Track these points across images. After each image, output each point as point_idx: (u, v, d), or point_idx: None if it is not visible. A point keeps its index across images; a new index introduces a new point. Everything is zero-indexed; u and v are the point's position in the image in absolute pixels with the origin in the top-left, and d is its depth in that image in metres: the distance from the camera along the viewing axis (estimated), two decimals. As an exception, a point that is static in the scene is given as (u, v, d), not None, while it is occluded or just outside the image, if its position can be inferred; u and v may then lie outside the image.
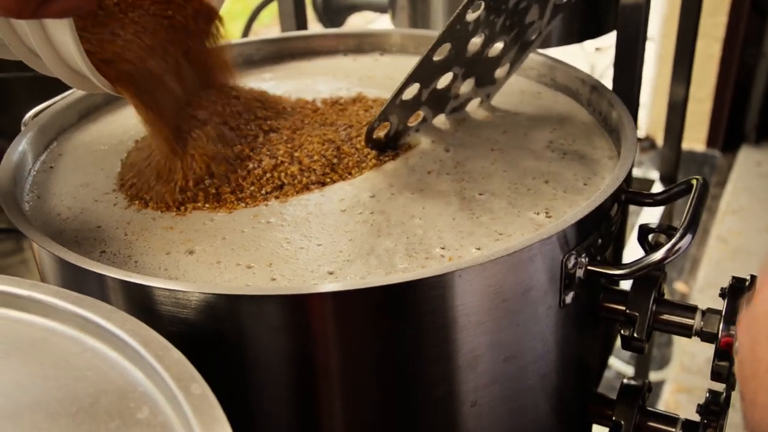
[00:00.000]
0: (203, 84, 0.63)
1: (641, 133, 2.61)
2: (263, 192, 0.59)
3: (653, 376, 1.57)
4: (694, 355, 1.62)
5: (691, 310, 0.56)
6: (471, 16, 0.58)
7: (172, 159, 0.59)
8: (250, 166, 0.60)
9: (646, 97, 2.57)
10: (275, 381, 0.49)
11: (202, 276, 0.52)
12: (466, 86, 0.66)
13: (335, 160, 0.61)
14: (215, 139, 0.60)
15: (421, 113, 0.65)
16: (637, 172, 1.65)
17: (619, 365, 1.56)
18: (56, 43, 0.51)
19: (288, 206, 0.58)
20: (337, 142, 0.63)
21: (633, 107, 0.81)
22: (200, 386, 0.36)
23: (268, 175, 0.60)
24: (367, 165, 0.62)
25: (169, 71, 0.59)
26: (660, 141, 1.73)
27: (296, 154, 0.61)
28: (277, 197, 0.59)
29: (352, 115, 0.68)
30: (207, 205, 0.58)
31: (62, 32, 0.49)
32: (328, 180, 0.60)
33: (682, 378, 1.57)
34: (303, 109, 0.69)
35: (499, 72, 0.68)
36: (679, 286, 1.93)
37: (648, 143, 2.60)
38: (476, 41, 0.61)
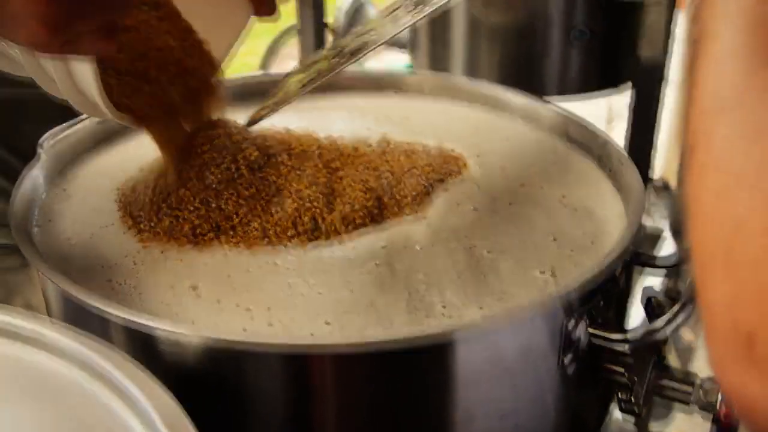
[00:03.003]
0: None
1: (655, 174, 2.60)
2: (288, 234, 0.59)
3: (654, 426, 1.56)
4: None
5: (691, 379, 0.55)
6: None
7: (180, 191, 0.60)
8: (272, 210, 0.60)
9: (663, 137, 2.56)
10: (271, 428, 0.49)
11: (201, 315, 0.52)
12: None
13: (375, 211, 0.61)
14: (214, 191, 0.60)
15: None
16: (646, 219, 1.64)
17: (619, 414, 1.55)
18: (72, 68, 0.52)
19: (301, 250, 0.58)
20: (378, 192, 0.62)
21: (645, 164, 0.81)
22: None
23: (300, 219, 0.59)
24: (400, 216, 0.61)
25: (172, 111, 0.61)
26: (674, 182, 1.72)
27: (337, 202, 0.61)
28: (301, 240, 0.58)
29: (394, 161, 0.67)
30: (231, 241, 0.59)
31: (82, 62, 0.50)
32: (363, 228, 0.60)
33: (684, 429, 1.55)
34: (338, 150, 0.68)
35: None
36: (685, 333, 1.91)
37: (661, 183, 2.59)
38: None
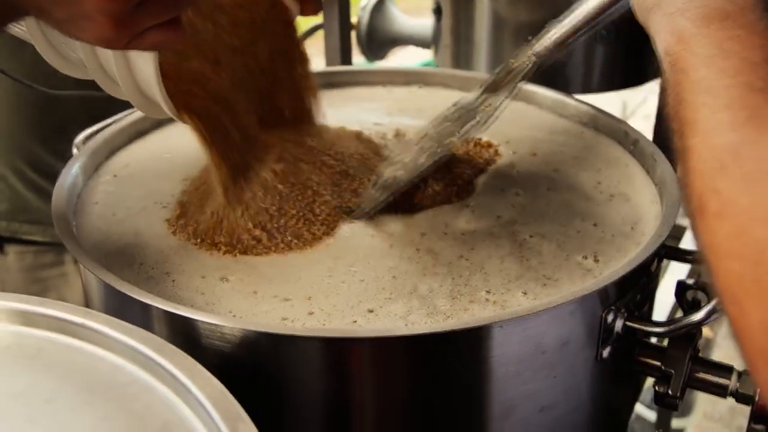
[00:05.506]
0: (288, 112, 0.64)
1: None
2: (321, 231, 0.59)
3: (675, 423, 1.55)
4: (717, 403, 1.60)
5: (728, 370, 0.55)
6: None
7: (229, 206, 0.59)
8: (316, 210, 0.60)
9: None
10: (311, 417, 0.49)
11: (238, 305, 0.52)
12: None
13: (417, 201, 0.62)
14: (274, 194, 0.60)
15: None
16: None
17: (642, 410, 1.54)
18: (135, 70, 0.52)
19: (337, 237, 0.58)
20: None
21: (672, 158, 0.81)
22: (247, 427, 0.37)
23: (335, 214, 0.60)
24: (443, 204, 0.62)
25: (245, 96, 0.59)
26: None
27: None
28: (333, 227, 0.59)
29: None
30: (270, 246, 0.58)
31: (145, 61, 0.51)
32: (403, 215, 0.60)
33: (705, 426, 1.55)
34: (365, 146, 0.69)
35: None
36: (704, 330, 1.91)
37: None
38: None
